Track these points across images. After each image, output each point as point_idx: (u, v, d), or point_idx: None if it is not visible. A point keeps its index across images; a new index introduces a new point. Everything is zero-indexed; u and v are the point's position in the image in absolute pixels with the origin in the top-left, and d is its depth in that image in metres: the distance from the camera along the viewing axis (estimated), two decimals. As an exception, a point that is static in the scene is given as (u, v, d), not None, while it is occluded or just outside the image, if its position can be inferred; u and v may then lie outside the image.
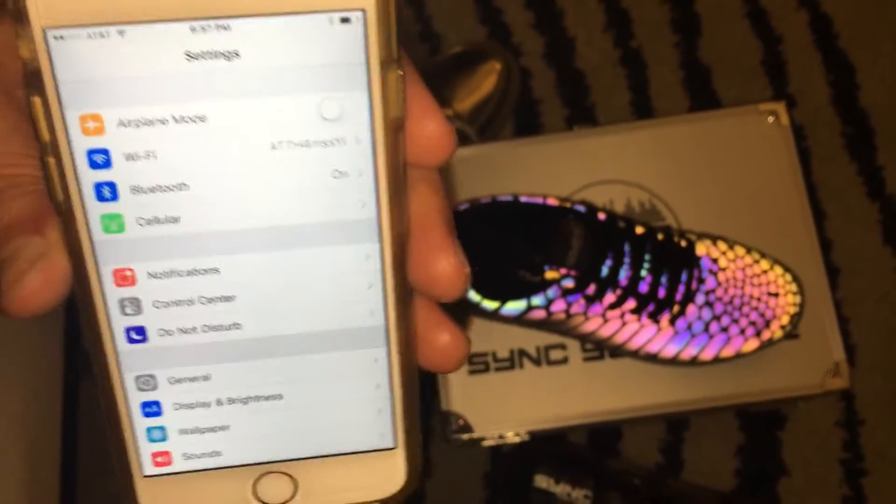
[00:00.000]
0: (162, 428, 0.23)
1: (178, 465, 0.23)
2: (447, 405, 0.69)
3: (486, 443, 0.71)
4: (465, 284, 0.23)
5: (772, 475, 0.80)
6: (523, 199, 0.64)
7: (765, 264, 0.65)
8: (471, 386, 0.69)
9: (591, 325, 0.63)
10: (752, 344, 0.64)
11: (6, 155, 0.21)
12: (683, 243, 0.64)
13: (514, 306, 0.63)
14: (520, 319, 0.64)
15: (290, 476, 0.23)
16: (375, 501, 0.24)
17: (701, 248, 0.64)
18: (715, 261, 0.64)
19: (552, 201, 0.63)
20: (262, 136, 0.20)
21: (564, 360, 0.69)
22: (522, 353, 0.69)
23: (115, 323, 0.21)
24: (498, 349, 0.69)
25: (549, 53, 0.90)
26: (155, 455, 0.23)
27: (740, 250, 0.65)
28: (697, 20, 0.90)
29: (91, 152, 0.20)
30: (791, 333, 0.67)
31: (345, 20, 0.19)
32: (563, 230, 0.60)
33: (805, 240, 0.69)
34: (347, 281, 0.22)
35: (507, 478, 0.77)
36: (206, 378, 0.22)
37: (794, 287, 0.64)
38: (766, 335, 0.64)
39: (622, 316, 0.62)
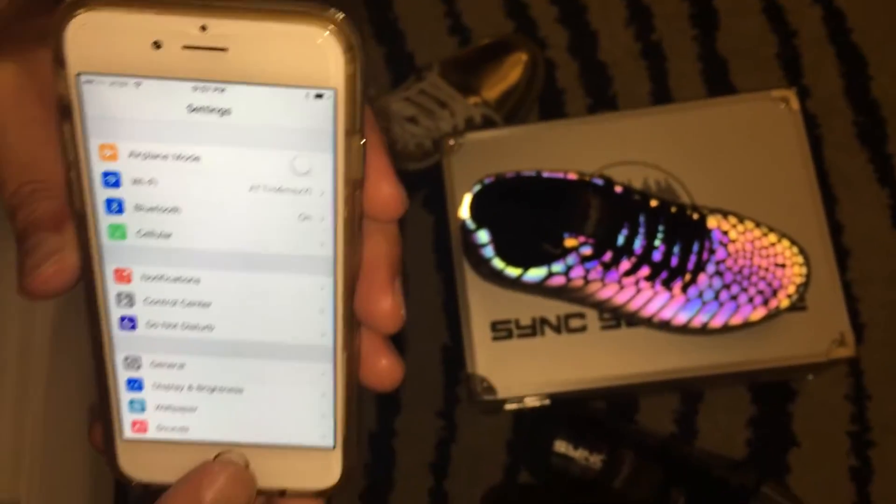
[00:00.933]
0: (141, 401, 0.27)
1: (152, 434, 0.27)
2: (473, 368, 0.73)
3: (509, 406, 0.76)
4: (399, 322, 0.27)
5: (782, 446, 0.84)
6: (545, 174, 0.69)
7: (773, 237, 0.69)
8: (495, 351, 0.74)
9: (607, 292, 0.67)
10: (760, 312, 0.68)
11: (42, 161, 0.25)
12: (696, 216, 0.68)
13: (536, 273, 0.67)
14: (541, 286, 0.68)
15: (244, 457, 0.28)
16: (313, 491, 0.28)
17: (712, 221, 0.68)
18: (725, 233, 0.68)
19: (572, 175, 0.68)
20: (244, 179, 0.24)
21: (583, 328, 0.74)
22: (544, 321, 0.74)
23: (112, 312, 0.26)
24: (521, 317, 0.74)
25: (573, 46, 0.95)
26: (134, 423, 0.27)
27: (749, 224, 0.69)
28: (715, 15, 0.95)
29: (105, 174, 0.24)
30: (798, 305, 0.71)
31: (318, 96, 0.23)
32: (581, 201, 0.65)
33: (813, 218, 0.73)
34: (303, 304, 0.26)
35: (528, 443, 0.82)
36: (181, 366, 0.27)
37: (800, 259, 0.68)
38: (773, 304, 0.68)
39: (637, 283, 0.67)
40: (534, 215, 0.67)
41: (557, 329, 0.74)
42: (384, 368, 0.27)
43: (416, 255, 0.91)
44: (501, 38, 0.90)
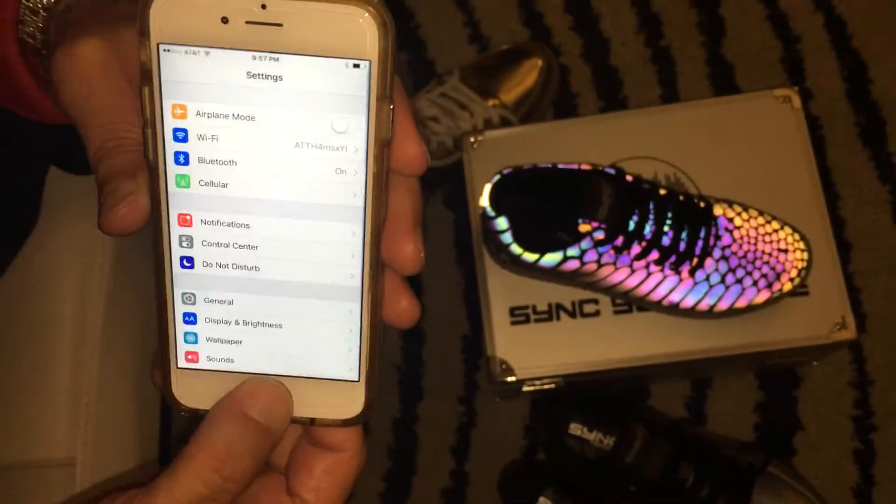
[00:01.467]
0: (195, 334, 0.31)
1: (202, 364, 0.31)
2: (492, 351, 0.77)
3: (526, 388, 0.80)
4: (420, 265, 0.31)
5: (788, 429, 0.87)
6: (560, 165, 0.73)
7: (776, 224, 0.73)
8: (513, 334, 0.78)
9: (619, 276, 0.72)
10: (764, 295, 0.72)
11: (122, 124, 0.30)
12: (702, 204, 0.72)
13: (552, 258, 0.72)
14: (556, 271, 0.73)
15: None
16: (337, 420, 0.31)
17: (718, 209, 0.72)
18: (730, 220, 0.72)
19: (585, 166, 0.72)
20: (291, 137, 0.29)
21: (597, 314, 0.78)
22: (559, 306, 0.78)
23: (174, 252, 0.30)
24: (538, 303, 0.78)
25: (586, 52, 1.00)
26: (187, 354, 0.31)
27: (753, 212, 0.73)
28: (722, 22, 1.00)
29: (175, 130, 0.28)
30: (800, 290, 0.75)
31: (356, 66, 0.27)
32: (594, 188, 0.69)
33: (815, 209, 0.77)
34: (336, 249, 0.30)
35: (544, 427, 0.85)
36: (230, 303, 0.31)
37: (802, 245, 0.72)
38: (776, 287, 0.72)
39: (647, 266, 0.71)
40: (550, 203, 0.72)
41: (572, 314, 0.78)
42: (405, 308, 0.31)
43: (437, 250, 0.96)
44: (518, 45, 0.95)
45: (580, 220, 0.69)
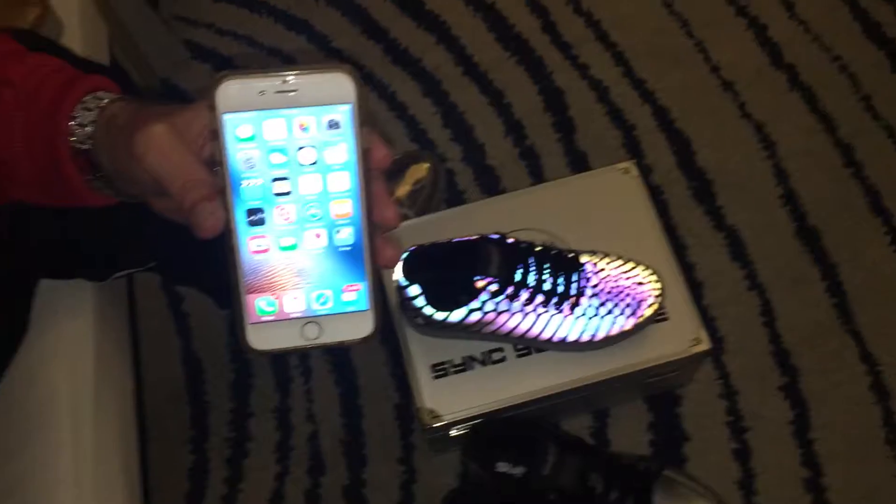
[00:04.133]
0: (256, 299, 0.45)
1: (263, 318, 0.46)
2: (420, 402, 0.92)
3: (453, 432, 0.94)
4: (399, 221, 0.47)
5: (677, 441, 1.03)
6: (455, 239, 0.90)
7: (631, 264, 0.91)
8: (436, 386, 0.92)
9: (515, 321, 0.88)
10: (632, 322, 0.89)
11: (192, 171, 0.44)
12: (571, 255, 0.90)
13: (459, 314, 0.87)
14: (464, 325, 0.88)
15: (318, 324, 0.47)
16: (358, 339, 0.46)
17: (584, 258, 0.90)
18: (595, 265, 0.90)
19: (475, 237, 0.90)
20: (310, 154, 0.44)
21: (503, 359, 0.93)
22: (471, 357, 0.93)
23: (243, 248, 0.45)
24: (453, 357, 0.93)
25: (466, 156, 1.20)
26: (251, 313, 0.46)
27: (612, 257, 0.91)
28: (572, 121, 1.22)
29: (233, 167, 0.44)
30: (660, 317, 0.93)
31: (344, 106, 0.44)
32: (484, 251, 0.86)
33: (661, 252, 0.96)
34: (347, 220, 0.44)
35: (475, 469, 0.99)
36: (280, 272, 0.45)
37: (654, 277, 0.91)
38: (640, 313, 0.89)
39: (535, 309, 0.87)
40: (450, 269, 0.88)
41: (483, 362, 0.93)
42: (390, 254, 0.47)
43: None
44: (409, 153, 1.14)
45: (476, 278, 0.86)
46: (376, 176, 0.45)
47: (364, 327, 0.46)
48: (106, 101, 0.49)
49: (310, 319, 0.46)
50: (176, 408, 1.10)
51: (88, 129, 0.48)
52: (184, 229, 0.45)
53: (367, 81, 1.27)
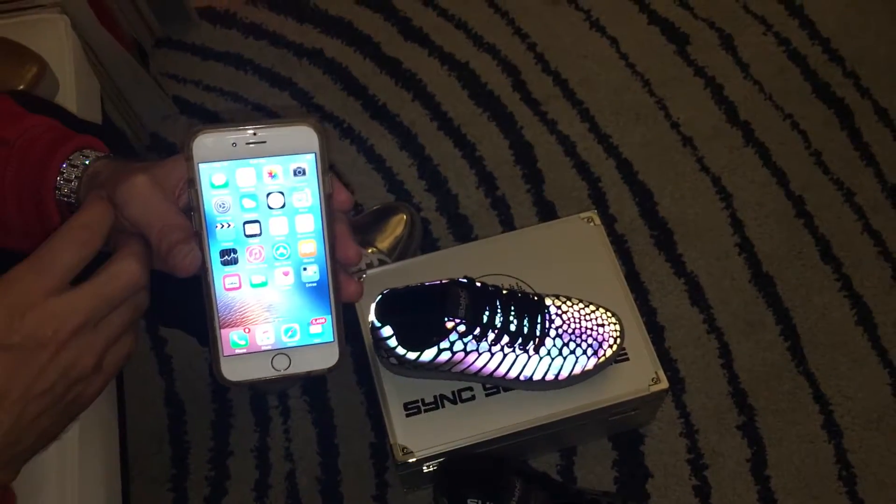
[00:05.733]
0: (229, 334, 0.49)
1: (236, 350, 0.50)
2: (394, 440, 0.96)
3: (426, 468, 0.98)
4: (359, 260, 0.51)
5: (640, 479, 1.08)
6: (426, 283, 0.96)
7: (592, 307, 0.97)
8: (409, 424, 0.97)
9: (482, 360, 0.93)
10: (593, 361, 0.95)
11: (170, 217, 0.49)
12: (536, 298, 0.96)
13: (429, 353, 0.92)
14: (434, 364, 0.93)
15: (287, 356, 0.51)
16: (325, 369, 0.50)
17: (548, 300, 0.96)
18: (559, 307, 0.96)
19: (445, 280, 0.95)
20: (278, 199, 0.49)
21: (473, 398, 0.98)
22: (442, 396, 0.98)
23: (217, 286, 0.49)
24: (425, 396, 0.98)
25: (440, 206, 1.26)
26: (226, 347, 0.50)
27: (575, 300, 0.97)
28: (540, 173, 1.28)
29: (208, 211, 0.48)
30: (621, 357, 0.98)
31: (309, 155, 0.49)
32: (453, 293, 0.92)
33: (622, 296, 1.02)
34: (313, 259, 0.49)
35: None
36: (252, 309, 0.49)
37: (614, 319, 0.96)
38: (601, 353, 0.95)
39: (502, 349, 0.92)
40: (421, 310, 0.93)
41: (453, 401, 0.98)
42: (354, 290, 0.51)
43: (342, 378, 1.15)
44: (386, 205, 1.20)
45: (446, 319, 0.91)
46: (339, 218, 0.50)
47: (330, 357, 0.51)
48: (91, 158, 0.54)
49: (279, 351, 0.50)
50: (159, 447, 1.13)
51: (73, 183, 0.53)
52: (165, 273, 0.49)
53: (346, 136, 1.34)
